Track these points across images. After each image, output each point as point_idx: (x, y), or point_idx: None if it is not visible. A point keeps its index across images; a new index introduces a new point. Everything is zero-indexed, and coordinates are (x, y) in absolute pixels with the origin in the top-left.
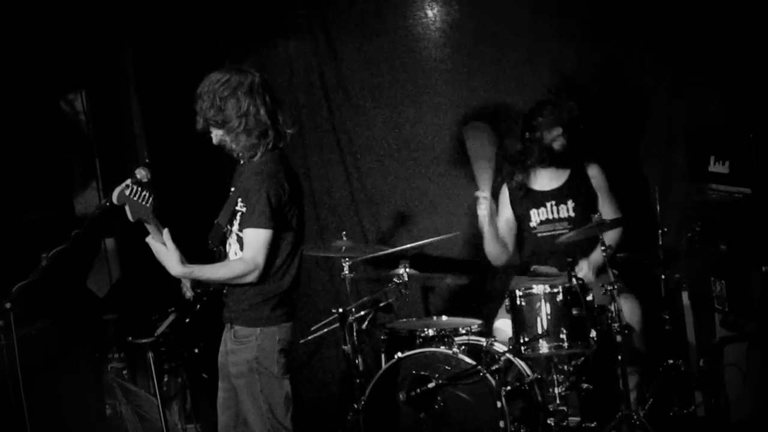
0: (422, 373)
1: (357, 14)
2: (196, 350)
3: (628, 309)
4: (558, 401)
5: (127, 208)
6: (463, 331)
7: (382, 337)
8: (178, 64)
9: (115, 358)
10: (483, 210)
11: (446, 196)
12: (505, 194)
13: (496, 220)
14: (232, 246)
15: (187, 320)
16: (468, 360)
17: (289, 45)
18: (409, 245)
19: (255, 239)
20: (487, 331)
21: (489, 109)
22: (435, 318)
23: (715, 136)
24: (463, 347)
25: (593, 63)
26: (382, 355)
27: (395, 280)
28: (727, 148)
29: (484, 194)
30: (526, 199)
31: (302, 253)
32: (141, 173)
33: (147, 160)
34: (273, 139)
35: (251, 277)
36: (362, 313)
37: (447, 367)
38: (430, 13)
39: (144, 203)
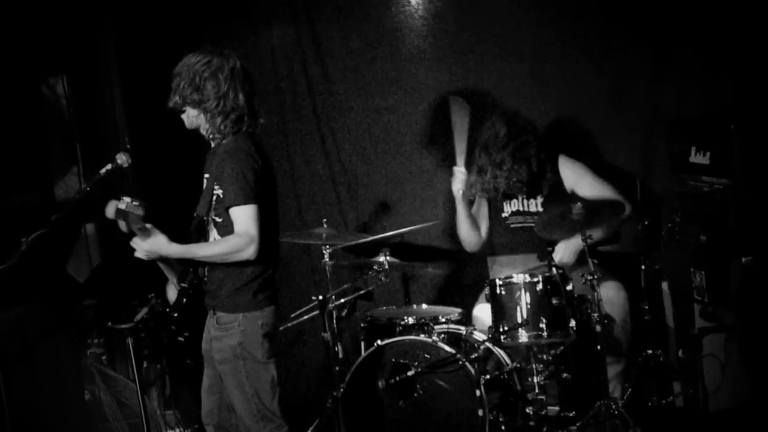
0: (402, 361)
1: (340, 2)
2: (181, 338)
3: (612, 295)
4: (537, 390)
5: (121, 222)
6: (443, 320)
7: (362, 325)
8: (160, 51)
9: (95, 343)
10: (458, 184)
11: (427, 185)
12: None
13: (470, 195)
14: (211, 233)
15: (176, 315)
16: (447, 348)
17: (272, 32)
18: (389, 233)
19: (243, 215)
20: (466, 319)
21: (471, 98)
22: (415, 306)
23: (696, 127)
24: (442, 336)
25: (574, 53)
26: (362, 343)
27: (375, 267)
28: (708, 139)
29: (461, 169)
30: (496, 193)
31: (278, 232)
32: (122, 158)
33: (128, 146)
34: (247, 125)
35: (249, 252)
36: (342, 300)
37: (426, 356)
38: (413, 2)
39: (137, 212)
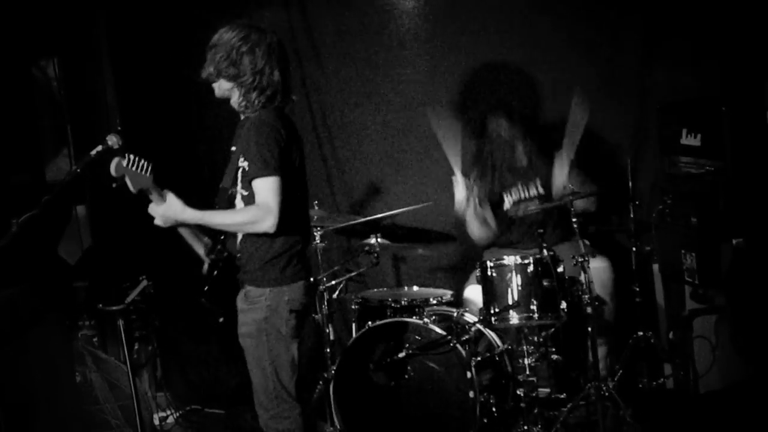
0: (393, 342)
1: None
2: (221, 320)
3: (600, 269)
4: (528, 372)
5: (127, 179)
6: (434, 302)
7: (353, 307)
8: (151, 33)
9: (86, 325)
10: (460, 193)
11: (419, 167)
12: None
13: (476, 200)
14: (238, 206)
15: (206, 288)
16: (438, 330)
17: (263, 15)
18: (380, 215)
19: (263, 186)
20: (457, 301)
21: (464, 81)
22: (406, 288)
23: (687, 109)
24: (433, 317)
25: (566, 35)
26: (353, 325)
27: (366, 249)
28: (700, 121)
29: (458, 177)
30: (496, 184)
31: (308, 207)
32: (112, 140)
33: (119, 128)
34: (280, 102)
35: (267, 224)
36: (333, 282)
37: (417, 337)
38: None
39: (144, 173)
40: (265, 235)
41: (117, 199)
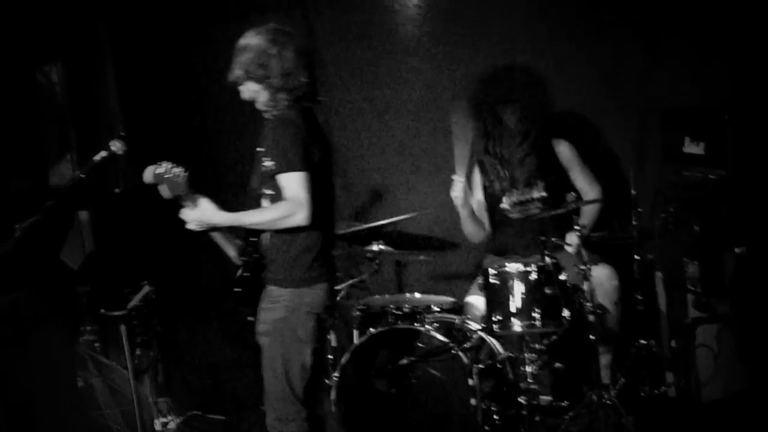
0: (395, 349)
1: None
2: (250, 318)
3: (604, 277)
4: (530, 380)
5: (161, 187)
6: (436, 309)
7: (355, 314)
8: (154, 38)
9: (88, 330)
10: (456, 192)
11: (421, 173)
12: (477, 176)
13: (471, 200)
14: (264, 205)
15: (237, 289)
16: (440, 337)
17: (267, 20)
18: (382, 222)
19: (291, 181)
20: (459, 309)
21: (468, 86)
22: (408, 295)
23: (690, 116)
24: (435, 324)
25: (568, 41)
26: (355, 331)
27: (369, 256)
28: (703, 129)
29: (459, 177)
30: (498, 183)
31: (334, 207)
32: (116, 145)
33: (122, 133)
34: (307, 103)
35: (300, 216)
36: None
37: (419, 344)
38: None
39: (178, 180)
40: (289, 234)
41: (119, 204)
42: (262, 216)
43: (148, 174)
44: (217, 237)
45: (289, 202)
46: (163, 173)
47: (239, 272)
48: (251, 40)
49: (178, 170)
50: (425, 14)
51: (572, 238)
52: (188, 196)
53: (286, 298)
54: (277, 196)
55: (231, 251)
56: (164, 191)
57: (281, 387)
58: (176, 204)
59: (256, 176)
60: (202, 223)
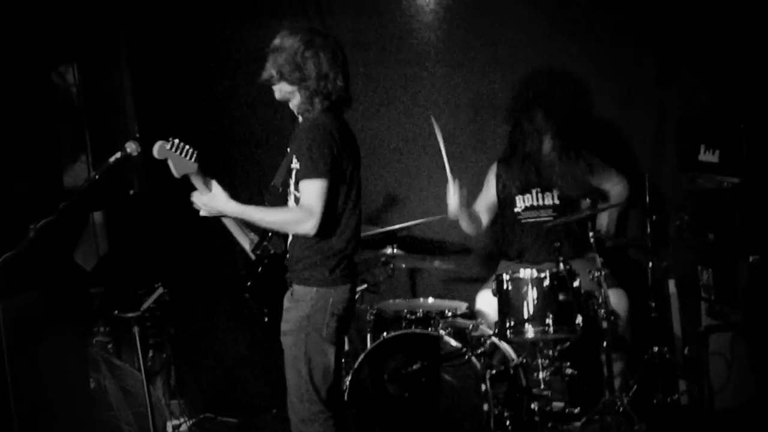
0: (407, 354)
1: None
2: (266, 319)
3: (614, 301)
4: (542, 386)
5: (170, 162)
6: (450, 314)
7: (369, 318)
8: (170, 40)
9: (101, 331)
10: (453, 200)
11: (436, 178)
12: (492, 174)
13: (465, 208)
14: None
15: (249, 284)
16: (453, 342)
17: (283, 23)
18: (396, 226)
19: (310, 189)
20: (473, 314)
21: (481, 92)
22: (421, 300)
23: (705, 125)
24: (449, 330)
25: (584, 49)
26: (368, 336)
27: (382, 260)
28: (718, 138)
29: (452, 185)
30: (512, 184)
31: (361, 212)
32: (131, 147)
33: (137, 135)
34: (340, 108)
35: (307, 226)
36: None
37: (432, 349)
38: None
39: (188, 158)
40: (316, 236)
41: (134, 206)
42: (270, 215)
43: (156, 149)
44: (232, 228)
45: (301, 209)
46: (169, 149)
47: (250, 266)
48: (286, 40)
49: (187, 148)
50: (441, 22)
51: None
52: (198, 177)
53: (311, 296)
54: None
55: (245, 243)
56: (172, 168)
57: (305, 387)
58: (190, 207)
59: (281, 174)
60: (212, 209)
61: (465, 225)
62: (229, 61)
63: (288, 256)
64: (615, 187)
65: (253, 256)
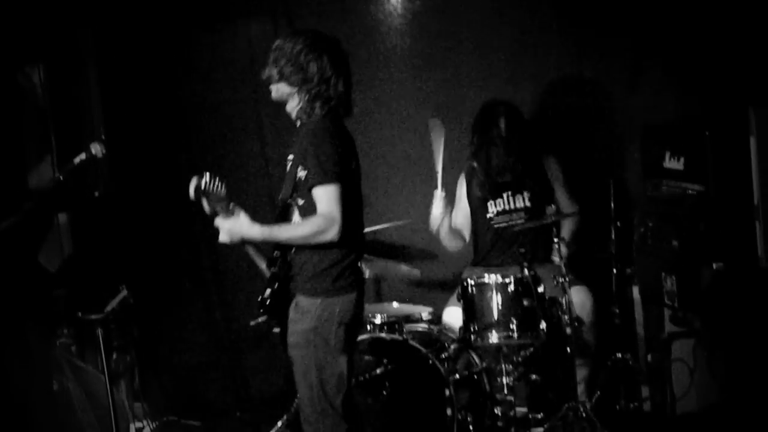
0: (371, 358)
1: None
2: (276, 330)
3: (579, 300)
4: (506, 391)
5: (204, 201)
6: (414, 319)
7: None
8: (137, 43)
9: (64, 333)
10: (437, 209)
11: (402, 183)
12: (462, 185)
13: (451, 216)
14: (294, 217)
15: (266, 299)
16: (418, 347)
17: (250, 26)
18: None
19: (325, 195)
20: (437, 319)
21: (449, 98)
22: (386, 304)
23: (670, 132)
24: (412, 334)
25: (551, 59)
26: None
27: None
28: (683, 145)
29: (441, 193)
30: (483, 189)
31: (362, 220)
32: (96, 148)
33: (103, 136)
34: (340, 113)
35: (332, 233)
36: None
37: (396, 354)
38: (392, 0)
39: (220, 193)
40: (321, 246)
41: (99, 207)
42: (296, 231)
43: (192, 191)
44: (250, 250)
45: (321, 216)
46: (203, 187)
47: (267, 284)
48: (289, 41)
49: (217, 183)
50: (409, 26)
51: (562, 249)
52: (225, 206)
53: (316, 307)
54: (308, 207)
55: (261, 263)
56: (205, 205)
57: (318, 400)
58: (155, 210)
59: (288, 185)
60: (235, 235)
61: (447, 241)
62: (197, 64)
63: (291, 265)
64: (566, 210)
65: (268, 273)
